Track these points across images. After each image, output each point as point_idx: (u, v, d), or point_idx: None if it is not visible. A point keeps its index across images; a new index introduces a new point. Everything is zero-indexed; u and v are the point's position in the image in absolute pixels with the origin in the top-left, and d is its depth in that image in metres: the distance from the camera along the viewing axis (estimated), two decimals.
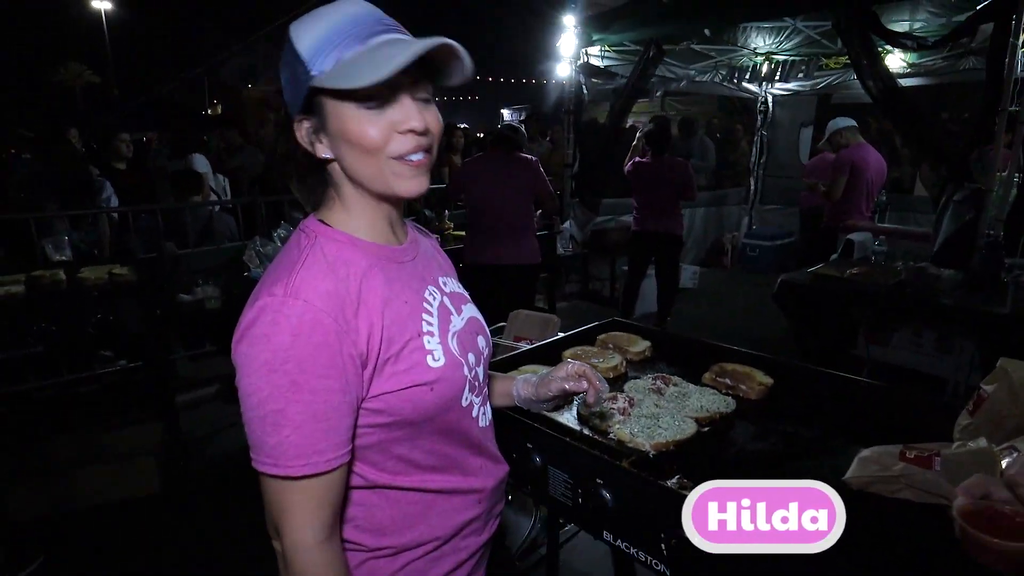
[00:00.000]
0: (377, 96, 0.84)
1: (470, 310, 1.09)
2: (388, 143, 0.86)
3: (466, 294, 1.13)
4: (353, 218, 0.94)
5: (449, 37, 0.82)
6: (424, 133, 0.87)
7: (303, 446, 0.80)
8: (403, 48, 0.79)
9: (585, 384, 1.12)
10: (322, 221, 0.94)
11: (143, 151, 7.73)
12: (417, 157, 0.88)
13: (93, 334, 3.00)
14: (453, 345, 0.97)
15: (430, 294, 0.99)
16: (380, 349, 0.86)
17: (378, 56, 0.80)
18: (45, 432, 3.06)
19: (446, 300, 1.03)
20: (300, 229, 0.95)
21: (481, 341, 1.07)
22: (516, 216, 3.72)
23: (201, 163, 5.69)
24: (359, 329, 0.84)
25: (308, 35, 0.85)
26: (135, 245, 4.16)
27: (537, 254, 3.86)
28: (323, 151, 0.89)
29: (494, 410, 1.16)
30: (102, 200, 4.50)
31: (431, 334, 0.94)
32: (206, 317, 3.59)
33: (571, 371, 1.14)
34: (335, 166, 0.91)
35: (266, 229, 4.31)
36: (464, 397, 0.97)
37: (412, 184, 0.89)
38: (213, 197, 5.35)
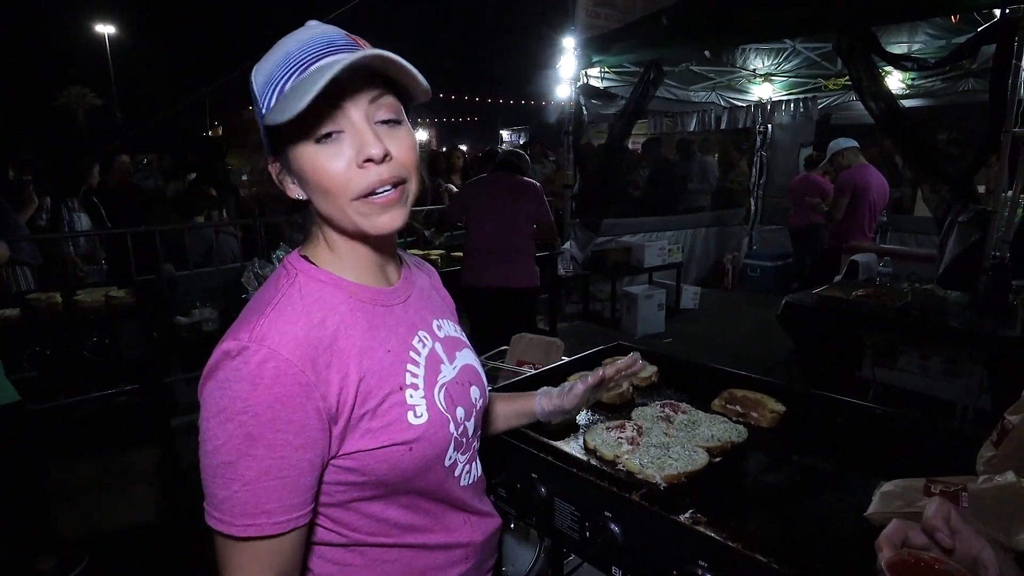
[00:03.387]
0: (327, 126, 0.76)
1: (465, 357, 1.01)
2: (348, 180, 0.78)
3: (462, 337, 1.05)
4: (338, 257, 0.88)
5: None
6: (384, 160, 0.78)
7: (251, 504, 0.73)
8: (330, 69, 0.71)
9: (601, 371, 1.15)
10: (306, 258, 0.88)
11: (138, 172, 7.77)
12: (384, 192, 0.79)
13: (89, 357, 2.96)
14: (440, 399, 0.89)
15: (419, 341, 0.92)
16: (354, 403, 0.78)
17: (306, 84, 0.72)
18: (40, 458, 3.00)
19: (438, 347, 0.95)
20: (283, 265, 0.88)
21: (474, 392, 0.98)
22: (516, 240, 3.69)
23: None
24: (330, 381, 0.76)
25: (261, 72, 0.79)
26: (132, 267, 4.14)
27: (535, 278, 3.82)
28: (295, 192, 0.84)
29: (508, 432, 1.16)
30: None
31: (415, 387, 0.86)
32: (203, 339, 3.55)
33: (596, 375, 1.16)
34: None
35: (265, 251, 4.30)
36: (448, 456, 0.89)
37: (382, 220, 0.81)
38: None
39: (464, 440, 0.94)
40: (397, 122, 0.81)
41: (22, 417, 2.48)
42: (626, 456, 1.25)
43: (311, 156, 0.78)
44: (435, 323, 0.99)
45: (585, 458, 1.30)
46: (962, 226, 3.64)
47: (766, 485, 1.20)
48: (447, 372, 0.94)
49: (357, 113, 0.78)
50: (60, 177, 4.72)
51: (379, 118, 0.79)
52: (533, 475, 1.31)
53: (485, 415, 1.11)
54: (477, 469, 1.01)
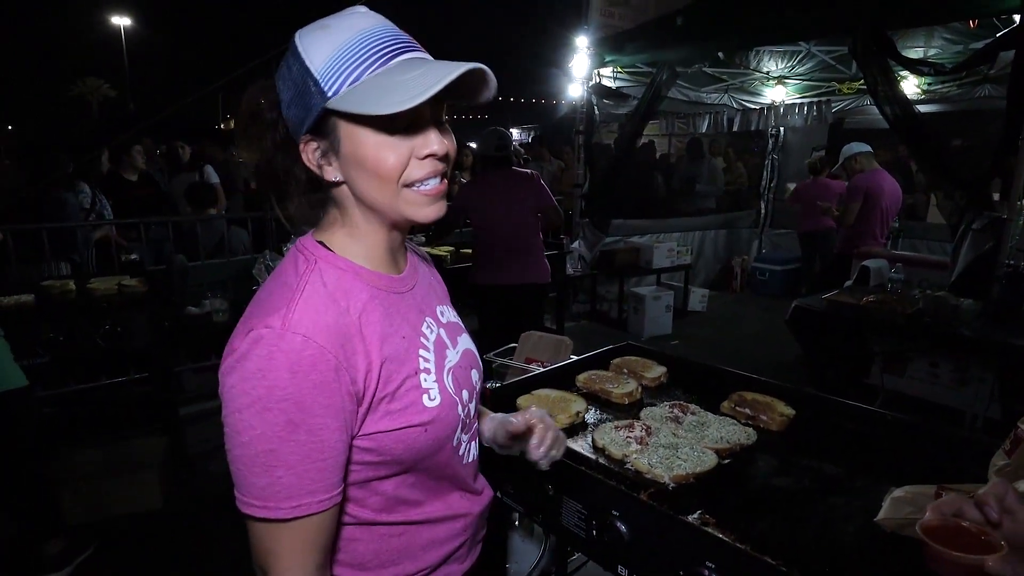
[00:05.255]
0: (398, 120, 0.79)
1: (465, 342, 1.05)
2: (405, 169, 0.82)
3: (461, 323, 1.09)
4: (355, 243, 0.89)
5: (460, 56, 0.78)
6: (444, 159, 0.84)
7: (295, 487, 0.75)
8: (432, 72, 0.74)
9: (534, 438, 1.06)
10: (322, 243, 0.89)
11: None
12: (433, 183, 0.85)
13: (101, 345, 2.98)
14: (449, 382, 0.93)
15: (427, 327, 0.95)
16: (376, 387, 0.82)
17: (404, 80, 0.74)
18: (49, 443, 3.03)
19: (442, 333, 0.99)
20: (298, 250, 0.89)
21: (475, 375, 1.03)
22: (524, 236, 3.66)
23: (213, 175, 5.73)
24: (357, 366, 0.79)
25: (320, 50, 0.78)
26: (145, 256, 4.17)
27: (547, 273, 3.80)
28: (332, 174, 0.84)
29: None
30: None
31: (428, 371, 0.90)
32: (213, 330, 3.57)
33: (522, 420, 1.07)
34: (344, 188, 0.86)
35: (276, 243, 4.31)
36: (456, 437, 0.94)
37: (429, 211, 0.86)
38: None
39: (468, 421, 0.99)
40: (444, 120, 0.87)
41: (29, 402, 2.50)
42: (635, 456, 1.25)
43: (375, 143, 0.80)
44: (439, 309, 1.03)
45: (593, 457, 1.30)
46: (976, 233, 3.60)
47: (775, 488, 1.19)
48: (452, 357, 0.98)
49: (428, 112, 0.82)
50: (78, 165, 4.75)
51: (438, 118, 0.85)
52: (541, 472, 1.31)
53: None
54: (476, 448, 1.06)
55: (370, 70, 0.77)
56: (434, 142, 0.82)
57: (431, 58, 0.82)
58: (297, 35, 0.81)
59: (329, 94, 0.78)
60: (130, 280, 3.25)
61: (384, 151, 0.80)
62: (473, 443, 1.04)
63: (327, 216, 0.91)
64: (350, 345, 0.79)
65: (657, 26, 5.25)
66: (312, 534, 0.78)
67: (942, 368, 3.43)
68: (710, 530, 1.00)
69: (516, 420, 1.08)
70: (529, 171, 3.81)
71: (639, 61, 5.92)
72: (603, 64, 5.88)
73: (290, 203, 0.89)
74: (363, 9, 0.83)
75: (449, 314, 1.06)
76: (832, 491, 1.17)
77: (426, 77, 0.74)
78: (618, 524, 1.14)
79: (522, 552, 1.91)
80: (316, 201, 0.90)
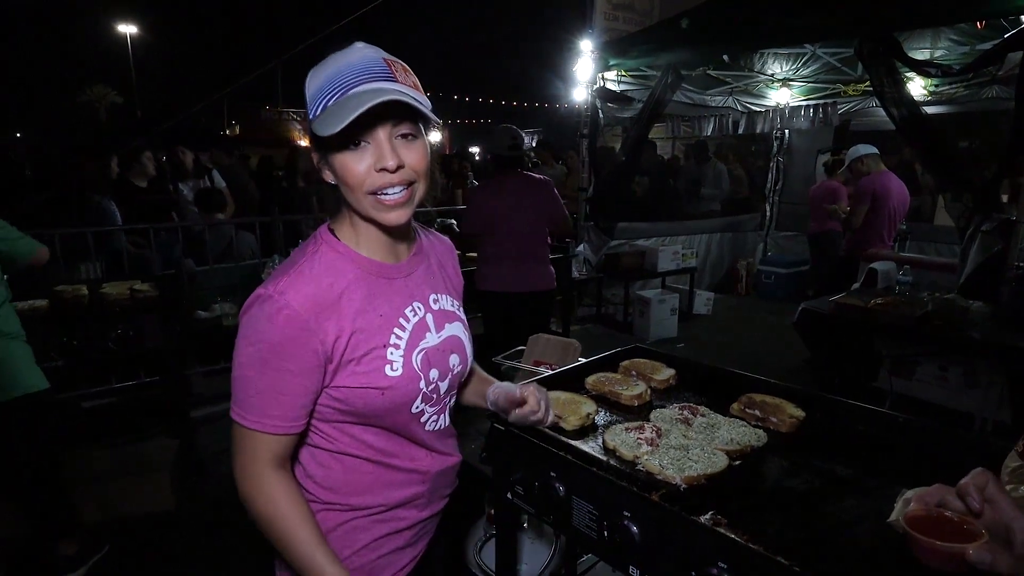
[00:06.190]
0: (357, 137, 0.98)
1: (454, 329, 1.21)
2: (367, 180, 1.00)
3: (458, 312, 1.25)
4: (356, 233, 1.11)
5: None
6: (398, 170, 1.00)
7: (261, 408, 1.00)
8: (364, 101, 0.91)
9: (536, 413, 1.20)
10: (332, 231, 1.11)
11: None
12: (394, 192, 1.02)
13: (113, 349, 3.01)
14: (416, 360, 1.11)
15: (412, 310, 1.13)
16: (344, 350, 1.03)
17: (345, 108, 0.93)
18: (63, 445, 3.05)
19: (429, 317, 1.15)
20: (314, 235, 1.13)
21: (454, 359, 1.19)
22: (531, 242, 3.57)
23: (220, 181, 5.77)
24: (327, 331, 1.01)
25: (313, 82, 1.00)
26: (155, 261, 4.20)
27: (552, 279, 3.72)
28: (329, 178, 1.06)
29: (471, 408, 1.38)
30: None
31: (397, 347, 1.08)
32: (223, 334, 3.59)
33: (524, 411, 1.20)
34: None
35: (284, 247, 4.34)
36: (415, 405, 1.12)
37: (391, 216, 1.04)
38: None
39: (434, 396, 1.16)
40: (414, 136, 1.03)
41: (50, 405, 2.54)
42: (646, 457, 1.26)
43: (342, 158, 1.01)
44: (432, 296, 1.18)
45: (604, 458, 1.30)
46: (985, 235, 3.59)
47: (786, 489, 1.20)
48: (431, 339, 1.15)
49: (382, 131, 0.99)
50: (88, 172, 4.79)
51: (398, 133, 1.01)
52: (552, 473, 1.31)
53: (462, 385, 1.31)
54: (445, 420, 1.24)
55: (333, 99, 0.97)
56: (386, 158, 0.99)
57: (386, 85, 0.96)
58: (312, 69, 1.02)
59: (311, 117, 1.00)
60: (142, 284, 3.27)
61: (348, 164, 1.00)
62: (441, 415, 1.22)
63: (341, 210, 1.12)
64: (324, 314, 1.01)
65: (662, 29, 5.27)
66: (265, 446, 1.02)
67: (951, 371, 3.42)
68: (722, 531, 1.01)
69: (517, 392, 1.22)
70: (544, 177, 3.71)
71: (643, 64, 5.94)
72: (607, 68, 5.89)
73: (324, 189, 1.11)
74: (361, 44, 1.02)
75: (444, 302, 1.21)
76: (844, 492, 1.17)
77: (356, 106, 0.91)
78: (630, 525, 1.15)
79: (532, 553, 1.92)
80: (333, 198, 1.11)
